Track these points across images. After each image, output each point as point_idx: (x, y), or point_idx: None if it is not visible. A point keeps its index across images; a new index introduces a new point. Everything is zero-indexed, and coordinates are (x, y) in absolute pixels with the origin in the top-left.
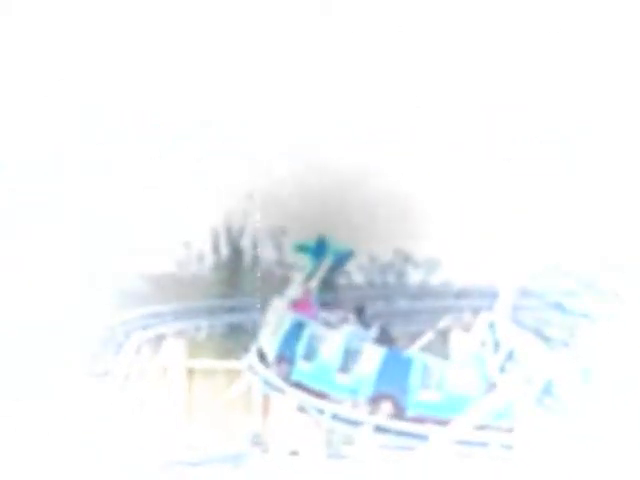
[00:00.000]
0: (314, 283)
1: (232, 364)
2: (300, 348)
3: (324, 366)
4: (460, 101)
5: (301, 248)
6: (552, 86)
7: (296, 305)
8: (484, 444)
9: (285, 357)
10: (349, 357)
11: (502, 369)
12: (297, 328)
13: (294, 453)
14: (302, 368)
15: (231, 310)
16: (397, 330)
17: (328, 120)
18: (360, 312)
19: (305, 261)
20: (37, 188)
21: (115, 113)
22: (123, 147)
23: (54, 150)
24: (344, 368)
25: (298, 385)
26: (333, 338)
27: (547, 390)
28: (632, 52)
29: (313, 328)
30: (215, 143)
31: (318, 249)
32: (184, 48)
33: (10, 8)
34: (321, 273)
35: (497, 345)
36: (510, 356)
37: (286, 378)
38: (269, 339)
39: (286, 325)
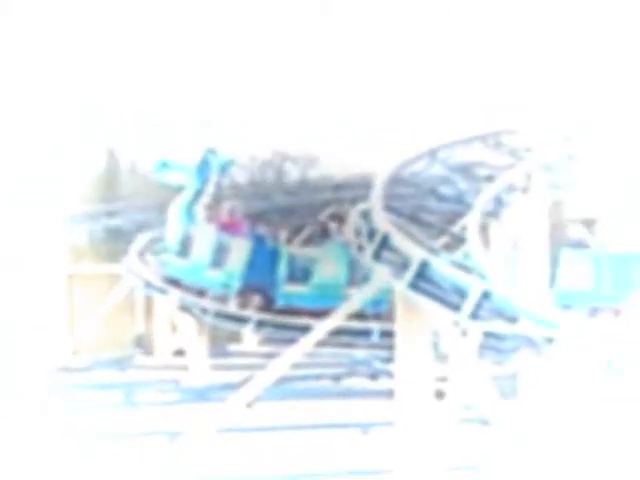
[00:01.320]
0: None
1: (113, 268)
2: (281, 273)
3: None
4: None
5: (165, 166)
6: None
7: (226, 227)
8: (365, 332)
9: (255, 287)
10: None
11: (377, 256)
12: (265, 255)
13: (179, 353)
14: (290, 291)
15: (109, 214)
16: (278, 225)
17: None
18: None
19: (187, 178)
20: None
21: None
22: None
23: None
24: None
25: (285, 311)
26: None
27: (422, 274)
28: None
29: (288, 251)
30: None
31: (202, 164)
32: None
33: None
34: (211, 189)
35: (372, 233)
36: (385, 243)
37: (267, 307)
38: (213, 273)
39: (246, 254)
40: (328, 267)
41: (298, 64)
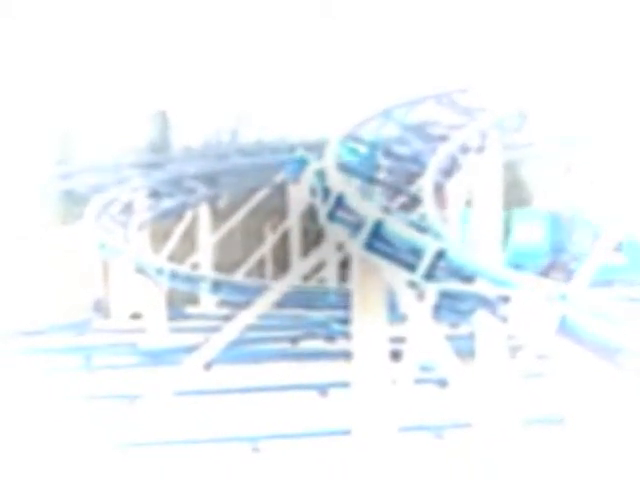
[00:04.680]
0: None
1: (68, 231)
2: None
3: None
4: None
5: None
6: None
7: None
8: (323, 294)
9: None
10: None
11: (331, 216)
12: None
13: (136, 316)
14: None
15: (65, 177)
16: (233, 187)
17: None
18: None
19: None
20: None
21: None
22: None
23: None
24: None
25: None
26: None
27: (377, 234)
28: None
29: None
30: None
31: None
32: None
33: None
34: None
35: (326, 193)
36: (339, 202)
37: None
38: None
39: None
40: None
41: (253, 25)
